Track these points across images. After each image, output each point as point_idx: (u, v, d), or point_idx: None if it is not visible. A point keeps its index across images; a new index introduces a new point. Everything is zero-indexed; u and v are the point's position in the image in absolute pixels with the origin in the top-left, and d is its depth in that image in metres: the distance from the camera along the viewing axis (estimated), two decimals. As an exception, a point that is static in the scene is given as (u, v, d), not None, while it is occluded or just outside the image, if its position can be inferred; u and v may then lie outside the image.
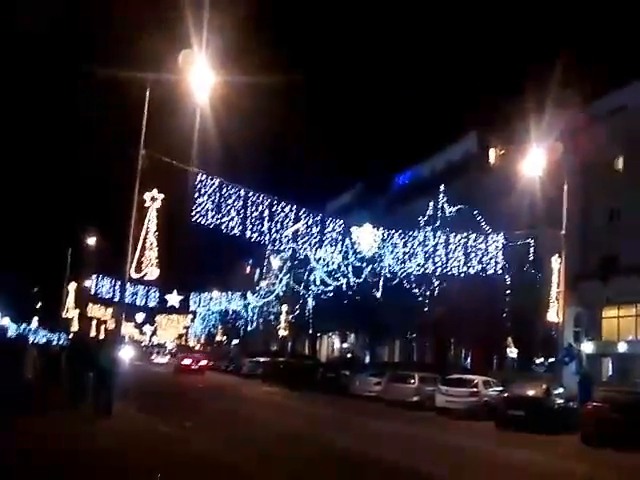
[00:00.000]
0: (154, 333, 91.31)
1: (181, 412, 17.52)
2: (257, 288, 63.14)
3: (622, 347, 28.17)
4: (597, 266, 29.92)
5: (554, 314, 28.84)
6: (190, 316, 78.62)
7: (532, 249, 33.43)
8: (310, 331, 52.53)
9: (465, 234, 38.89)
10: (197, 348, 78.31)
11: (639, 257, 28.44)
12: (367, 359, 41.96)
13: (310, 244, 46.53)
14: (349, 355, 45.33)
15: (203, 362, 46.41)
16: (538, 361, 30.63)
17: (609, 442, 16.24)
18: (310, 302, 52.85)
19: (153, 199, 17.91)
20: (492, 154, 40.55)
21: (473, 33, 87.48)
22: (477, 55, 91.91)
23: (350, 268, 49.87)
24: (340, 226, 46.81)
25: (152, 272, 18.18)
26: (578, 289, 28.94)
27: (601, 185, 30.65)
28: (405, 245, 43.84)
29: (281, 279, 58.90)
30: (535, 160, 26.77)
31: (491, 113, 39.30)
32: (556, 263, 29.74)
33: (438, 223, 41.78)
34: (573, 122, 32.80)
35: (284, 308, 54.01)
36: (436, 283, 39.27)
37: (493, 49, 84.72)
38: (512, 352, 31.53)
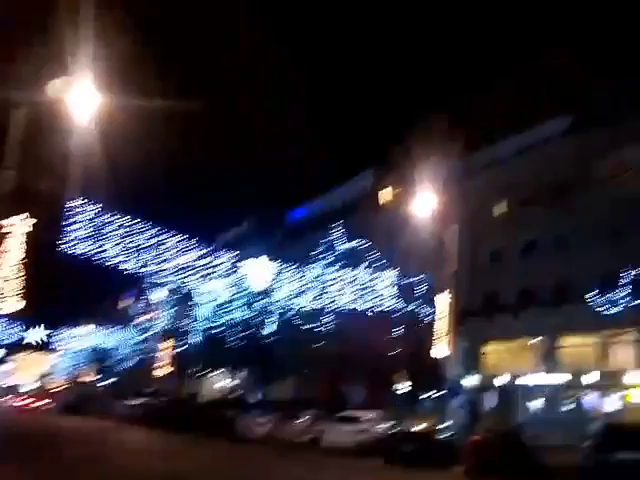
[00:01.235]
0: (12, 373, 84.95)
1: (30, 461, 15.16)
2: (136, 322, 61.43)
3: (502, 380, 31.17)
4: (481, 304, 33.08)
5: (442, 349, 31.47)
6: (56, 353, 74.37)
7: (423, 286, 36.33)
8: (195, 369, 51.92)
9: (359, 270, 41.49)
10: (60, 388, 73.92)
11: (516, 296, 32.01)
12: (258, 398, 42.41)
13: (197, 277, 46.53)
14: (237, 394, 45.44)
15: (40, 403, 43.84)
16: (427, 395, 32.94)
17: (491, 473, 17.66)
18: (196, 338, 52.38)
19: (12, 225, 17.21)
20: (386, 193, 43.54)
21: (376, 71, 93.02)
22: (378, 95, 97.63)
23: (240, 302, 50.36)
24: (230, 259, 47.45)
25: (11, 304, 17.34)
26: (464, 325, 31.79)
27: (485, 228, 34.21)
28: (299, 280, 45.49)
29: (164, 313, 57.87)
30: (426, 202, 29.73)
31: (387, 153, 42.35)
32: (445, 300, 32.63)
33: (332, 259, 43.90)
34: (457, 170, 36.62)
35: (167, 344, 53.08)
36: (330, 318, 41.00)
37: (395, 90, 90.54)
38: (404, 387, 33.63)
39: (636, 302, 26.46)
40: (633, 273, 26.94)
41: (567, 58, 33.28)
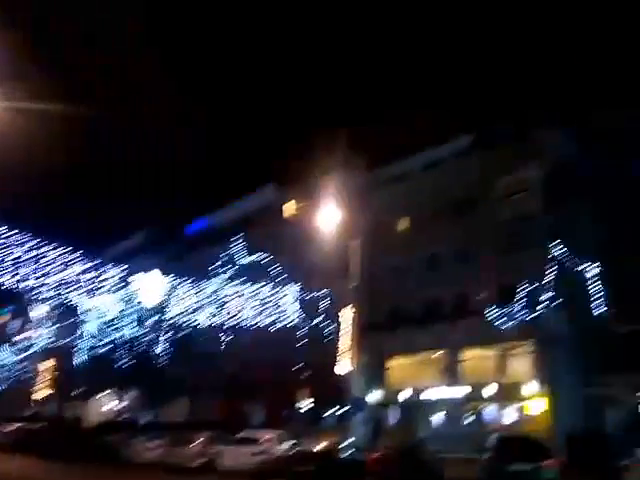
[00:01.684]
0: None
1: None
2: (14, 341, 56.89)
3: (406, 395, 31.54)
4: (385, 318, 33.44)
5: (346, 364, 31.45)
6: None
7: (327, 301, 36.31)
8: (80, 390, 48.75)
9: (261, 285, 40.84)
10: None
11: (418, 310, 32.70)
12: (148, 420, 40.24)
13: (82, 292, 43.84)
14: (126, 416, 42.97)
15: None
16: (330, 412, 32.69)
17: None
18: (81, 357, 49.39)
19: None
20: (290, 207, 43.31)
21: (279, 86, 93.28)
22: (286, 109, 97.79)
23: (130, 319, 48.05)
24: (119, 273, 45.18)
25: None
26: (368, 340, 31.94)
27: (389, 242, 34.77)
28: (195, 295, 44.07)
29: (45, 331, 54.16)
30: (329, 217, 29.80)
31: (291, 167, 42.21)
32: (349, 315, 32.74)
33: (232, 273, 42.95)
34: (362, 185, 37.20)
35: (48, 364, 49.46)
36: (228, 335, 39.97)
37: (302, 105, 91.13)
38: (306, 404, 33.20)
39: (531, 315, 27.77)
40: (528, 287, 28.27)
41: (469, 77, 34.85)
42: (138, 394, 45.75)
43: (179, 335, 45.09)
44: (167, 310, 45.56)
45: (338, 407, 31.82)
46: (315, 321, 36.55)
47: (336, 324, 34.34)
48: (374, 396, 32.34)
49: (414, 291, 32.71)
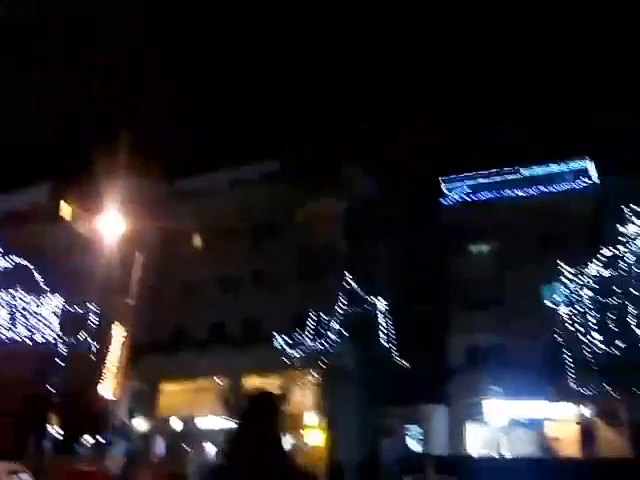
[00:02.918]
0: None
1: None
2: None
3: (177, 424, 29.87)
4: (166, 339, 31.75)
5: (111, 388, 28.83)
6: None
7: (98, 316, 33.37)
8: None
9: (15, 293, 36.23)
10: None
11: (204, 333, 31.75)
12: None
13: None
14: None
15: None
16: (85, 440, 29.55)
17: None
18: None
19: None
20: (65, 210, 39.67)
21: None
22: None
23: None
24: None
25: None
26: (142, 362, 29.91)
27: (180, 258, 33.53)
28: None
29: None
30: (112, 225, 27.72)
31: (67, 169, 39.14)
32: (119, 333, 30.33)
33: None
34: (156, 195, 35.80)
35: None
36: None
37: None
38: (55, 431, 29.52)
39: (319, 346, 28.52)
40: (319, 317, 29.13)
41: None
42: None
43: None
44: None
45: (95, 434, 28.90)
46: (80, 337, 33.31)
47: (103, 343, 31.61)
48: (141, 424, 30.07)
49: (202, 312, 31.73)
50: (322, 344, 28.71)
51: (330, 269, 30.45)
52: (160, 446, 29.85)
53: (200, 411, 29.96)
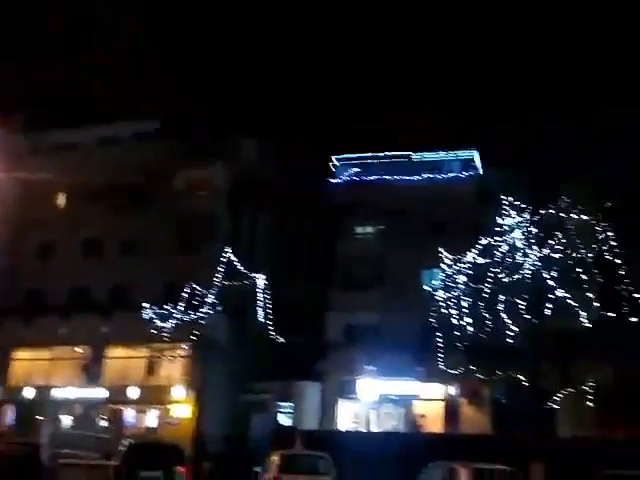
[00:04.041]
0: None
1: None
2: None
3: (29, 393, 28.75)
4: (22, 302, 30.28)
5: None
6: None
7: None
8: None
9: None
10: None
11: (64, 298, 30.68)
12: None
13: None
14: None
15: None
16: None
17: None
18: None
19: None
20: None
21: None
22: None
23: None
24: None
25: None
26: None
27: (42, 217, 31.98)
28: None
29: None
30: None
31: None
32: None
33: None
34: (16, 146, 33.72)
35: None
36: None
37: None
38: None
39: (192, 318, 28.49)
40: (194, 289, 29.02)
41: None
42: None
43: None
44: None
45: None
46: None
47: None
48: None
49: (64, 275, 30.57)
50: (195, 317, 28.72)
51: (209, 240, 30.40)
52: (10, 415, 28.67)
53: (57, 380, 29.04)
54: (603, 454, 17.33)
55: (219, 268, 28.89)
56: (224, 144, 32.18)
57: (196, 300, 28.82)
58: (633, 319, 20.88)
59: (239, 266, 29.30)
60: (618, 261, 21.74)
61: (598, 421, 22.77)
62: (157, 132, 34.30)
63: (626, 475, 13.98)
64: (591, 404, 22.65)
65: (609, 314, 21.44)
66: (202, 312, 28.61)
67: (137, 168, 32.30)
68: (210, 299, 28.86)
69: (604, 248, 21.96)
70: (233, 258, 29.34)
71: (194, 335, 28.28)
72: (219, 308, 28.77)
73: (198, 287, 28.88)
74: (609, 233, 22.04)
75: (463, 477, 13.83)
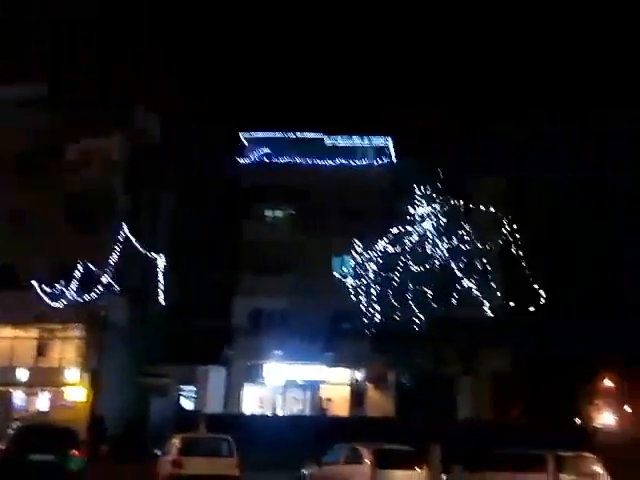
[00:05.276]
0: None
1: None
2: None
3: None
4: None
5: None
6: None
7: None
8: None
9: None
10: None
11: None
12: None
13: None
14: None
15: None
16: None
17: None
18: None
19: None
20: None
21: None
22: None
23: None
24: None
25: None
26: None
27: None
28: None
29: None
30: None
31: None
32: None
33: None
34: None
35: None
36: None
37: None
38: None
39: (86, 298, 28.17)
40: (88, 268, 28.67)
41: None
42: None
43: None
44: None
45: None
46: None
47: None
48: None
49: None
50: (90, 297, 28.37)
51: (106, 217, 29.94)
52: None
53: None
54: (495, 435, 19.52)
55: (115, 247, 28.65)
56: (121, 114, 31.57)
57: (90, 280, 28.51)
58: (531, 308, 23.25)
59: (138, 246, 29.21)
60: (520, 253, 24.08)
61: (495, 405, 25.16)
62: (48, 97, 33.20)
63: (514, 454, 15.61)
64: (489, 389, 25.01)
65: (510, 303, 23.70)
66: (97, 292, 28.32)
67: (25, 135, 31.22)
68: (106, 279, 28.61)
69: (509, 240, 24.25)
70: (131, 237, 29.19)
71: (89, 316, 28.04)
72: (116, 289, 28.61)
73: (92, 266, 28.57)
74: (514, 226, 24.36)
75: (365, 456, 14.97)
